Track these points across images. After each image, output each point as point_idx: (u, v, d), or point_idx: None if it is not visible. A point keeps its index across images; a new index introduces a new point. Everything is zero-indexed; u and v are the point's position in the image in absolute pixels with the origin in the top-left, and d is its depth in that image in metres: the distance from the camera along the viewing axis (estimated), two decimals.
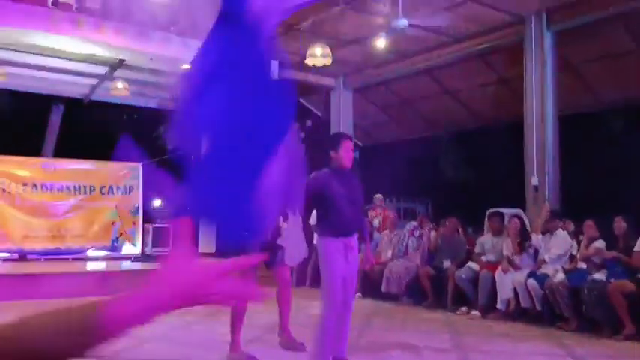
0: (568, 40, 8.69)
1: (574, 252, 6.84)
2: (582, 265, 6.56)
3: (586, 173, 8.62)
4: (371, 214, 9.90)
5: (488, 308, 7.23)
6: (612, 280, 5.96)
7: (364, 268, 6.69)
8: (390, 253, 8.92)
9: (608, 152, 8.97)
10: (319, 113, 13.54)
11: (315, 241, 9.68)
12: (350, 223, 4.44)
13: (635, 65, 8.99)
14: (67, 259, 11.67)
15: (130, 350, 5.07)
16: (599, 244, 6.50)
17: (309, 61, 9.34)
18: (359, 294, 8.96)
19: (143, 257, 12.01)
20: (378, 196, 10.11)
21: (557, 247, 6.94)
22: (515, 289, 6.98)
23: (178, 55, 10.40)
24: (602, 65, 9.40)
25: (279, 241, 4.97)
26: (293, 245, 5.04)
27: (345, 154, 4.48)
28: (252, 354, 4.93)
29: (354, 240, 4.48)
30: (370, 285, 8.94)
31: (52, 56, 10.59)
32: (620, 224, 6.45)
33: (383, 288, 8.56)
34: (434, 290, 8.06)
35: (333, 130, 12.48)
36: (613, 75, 9.36)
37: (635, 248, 6.12)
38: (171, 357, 4.86)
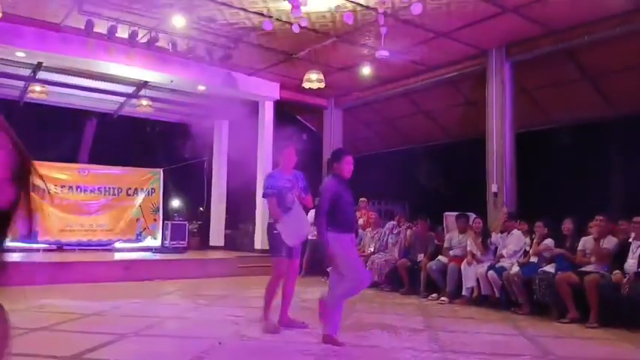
0: (524, 69, 8.75)
1: (527, 248, 6.88)
2: (534, 260, 6.60)
3: (538, 181, 8.68)
4: (357, 214, 9.92)
5: (455, 295, 7.27)
6: (559, 272, 6.00)
7: None
8: (372, 248, 8.96)
9: (557, 164, 9.03)
10: (314, 129, 13.58)
11: (310, 236, 9.77)
12: (353, 222, 4.83)
13: (579, 91, 9.08)
14: (98, 249, 11.67)
15: (152, 328, 5.08)
16: (549, 242, 6.55)
17: (305, 85, 9.37)
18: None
19: (162, 249, 11.99)
20: (363, 199, 10.16)
21: (513, 244, 6.99)
22: (477, 279, 7.03)
23: (195, 77, 10.45)
24: (553, 91, 9.47)
25: (278, 227, 4.91)
26: (293, 227, 4.93)
27: (346, 166, 4.67)
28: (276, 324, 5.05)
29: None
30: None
31: (86, 77, 10.61)
32: (568, 225, 6.50)
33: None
34: (409, 279, 8.09)
35: (326, 143, 12.53)
36: (562, 99, 9.44)
37: (579, 247, 6.17)
38: (187, 334, 4.86)
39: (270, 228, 5.09)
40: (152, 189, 12.76)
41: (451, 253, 7.70)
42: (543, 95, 9.71)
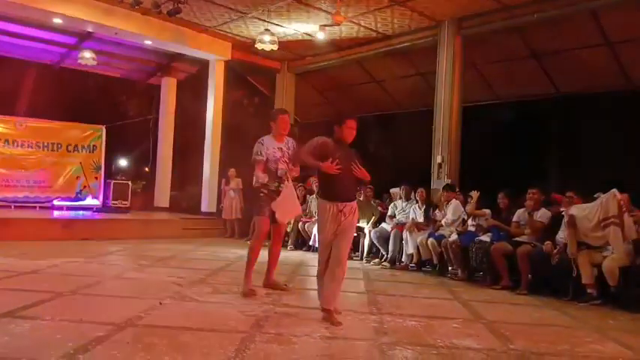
0: (474, 44, 8.90)
1: (465, 217, 7.12)
2: (472, 229, 6.86)
3: (479, 154, 8.94)
4: (308, 181, 9.90)
5: (396, 261, 7.49)
6: (495, 242, 6.28)
7: None
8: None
9: (500, 138, 9.32)
10: (266, 92, 13.38)
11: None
12: (344, 191, 4.26)
13: (525, 69, 9.33)
14: (35, 207, 11.23)
15: (91, 287, 4.97)
16: (487, 211, 6.81)
17: (258, 46, 9.18)
18: (291, 246, 9.09)
19: (104, 208, 11.67)
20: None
21: (451, 213, 7.23)
22: (417, 247, 7.26)
23: (141, 31, 10.01)
24: (500, 67, 9.70)
25: (272, 205, 4.81)
26: (286, 206, 4.84)
27: (347, 131, 4.29)
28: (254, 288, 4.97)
29: (348, 206, 4.22)
30: (302, 240, 9.06)
31: (28, 25, 9.98)
32: (503, 200, 6.76)
33: (311, 242, 8.70)
34: (353, 245, 8.23)
35: (278, 107, 12.38)
36: (508, 75, 9.69)
37: (514, 219, 6.45)
38: (127, 294, 4.79)
39: (255, 190, 5.01)
40: (94, 146, 12.32)
41: (395, 220, 7.89)
42: (490, 70, 9.93)
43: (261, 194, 4.92)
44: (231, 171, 10.68)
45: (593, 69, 8.59)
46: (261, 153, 4.95)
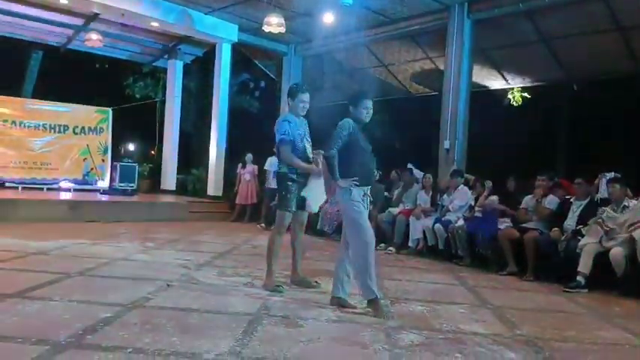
0: (483, 28, 8.80)
1: (472, 203, 7.10)
2: (479, 215, 6.84)
3: (487, 140, 8.89)
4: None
5: (402, 246, 7.49)
6: (503, 228, 6.25)
7: None
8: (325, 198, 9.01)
9: (509, 123, 9.26)
10: (272, 75, 13.31)
11: (269, 184, 9.73)
12: (370, 175, 4.16)
13: (535, 53, 9.22)
14: (42, 188, 11.28)
15: (99, 269, 5.01)
16: (494, 198, 6.79)
17: (265, 28, 9.10)
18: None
19: (110, 190, 11.71)
20: (321, 151, 9.97)
21: (459, 199, 7.21)
22: (424, 232, 7.25)
23: (147, 12, 9.95)
24: (509, 52, 9.59)
25: (303, 193, 4.48)
26: (318, 193, 4.52)
27: (363, 111, 4.12)
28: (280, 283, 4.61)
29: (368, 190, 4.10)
30: (308, 224, 9.04)
31: (33, 6, 9.93)
32: (511, 184, 6.74)
33: (318, 226, 8.70)
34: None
35: (285, 91, 12.31)
36: (517, 60, 9.58)
37: (522, 205, 6.42)
38: (135, 276, 4.82)
39: (283, 178, 4.53)
40: (100, 128, 12.33)
41: (401, 206, 7.87)
42: (500, 55, 9.82)
43: (289, 183, 4.47)
44: (248, 156, 10.63)
45: (604, 54, 8.48)
46: (288, 132, 4.47)
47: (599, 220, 5.41)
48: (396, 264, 6.54)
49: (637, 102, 7.37)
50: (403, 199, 7.99)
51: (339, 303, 4.05)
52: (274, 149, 4.80)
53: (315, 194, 4.50)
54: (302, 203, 4.54)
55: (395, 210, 7.86)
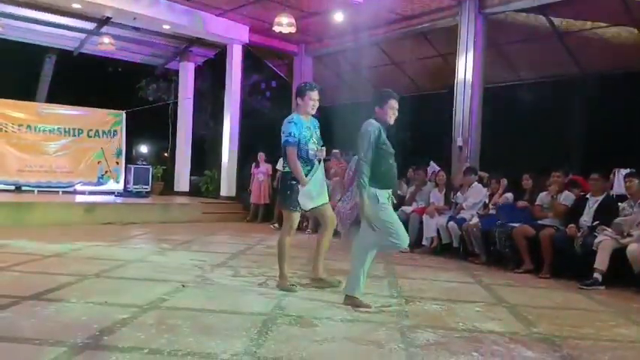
0: (495, 24, 8.72)
1: (486, 200, 7.04)
2: (493, 212, 6.78)
3: (501, 136, 8.81)
4: (328, 164, 9.85)
5: (416, 244, 7.45)
6: (517, 225, 6.19)
7: None
8: (338, 197, 9.00)
9: (522, 119, 9.16)
10: (283, 75, 13.33)
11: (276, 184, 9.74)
12: (394, 176, 4.12)
13: (548, 48, 9.12)
14: (58, 192, 11.42)
15: (114, 270, 5.05)
16: (509, 195, 6.73)
17: (276, 29, 9.12)
18: (309, 230, 9.09)
19: (125, 193, 11.82)
20: (337, 151, 9.91)
21: (473, 196, 7.15)
22: (438, 230, 7.21)
23: (159, 15, 10.03)
24: (522, 47, 9.50)
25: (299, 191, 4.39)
26: (313, 191, 4.45)
27: (389, 112, 4.05)
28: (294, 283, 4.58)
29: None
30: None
31: (46, 11, 10.06)
32: (527, 181, 6.67)
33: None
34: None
35: (295, 91, 12.29)
36: (530, 55, 9.49)
37: (537, 202, 6.36)
38: (150, 277, 4.86)
39: (285, 177, 4.52)
40: (114, 131, 12.44)
41: (414, 204, 7.84)
42: (512, 50, 9.73)
43: (292, 182, 4.42)
44: (261, 155, 10.66)
45: (618, 48, 8.36)
46: (294, 134, 4.40)
47: (613, 219, 5.34)
48: (410, 263, 6.52)
49: None
50: (416, 198, 7.95)
51: (353, 303, 4.03)
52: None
53: (309, 192, 4.42)
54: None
55: (408, 208, 7.82)
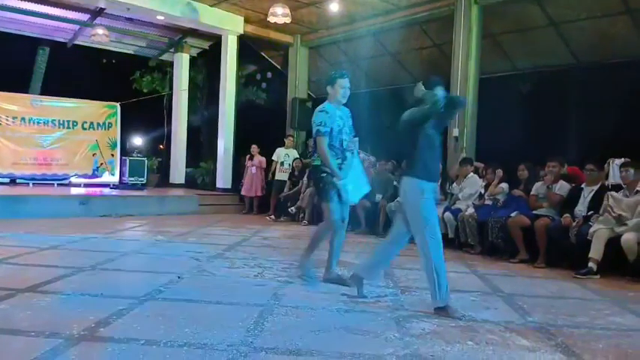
0: (491, 14, 8.69)
1: (482, 191, 7.05)
2: (489, 202, 6.80)
3: (497, 127, 8.80)
4: None
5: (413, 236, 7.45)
6: (512, 215, 6.21)
7: None
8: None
9: (518, 109, 9.16)
10: (278, 66, 13.28)
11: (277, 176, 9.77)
12: (438, 168, 4.03)
13: (543, 38, 9.11)
14: (53, 184, 11.39)
15: (111, 262, 5.05)
16: (504, 186, 6.75)
17: (271, 19, 9.08)
18: (305, 222, 9.10)
19: (121, 185, 11.79)
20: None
21: (469, 187, 7.17)
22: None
23: (153, 6, 9.95)
24: (518, 36, 9.48)
25: (340, 183, 4.22)
26: (355, 184, 4.27)
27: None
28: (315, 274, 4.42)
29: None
30: (317, 215, 9.06)
31: (39, 2, 9.97)
32: (523, 171, 6.69)
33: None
34: (367, 219, 8.25)
35: (291, 82, 12.27)
36: (526, 45, 9.47)
37: (532, 192, 6.38)
38: (147, 269, 4.87)
39: (316, 170, 4.35)
40: (109, 123, 12.39)
41: None
42: (508, 40, 9.71)
43: (324, 174, 4.24)
44: (254, 147, 10.66)
45: (614, 37, 8.36)
46: (325, 124, 4.21)
47: (608, 209, 5.37)
48: (406, 253, 6.46)
49: None
50: None
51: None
52: (310, 141, 4.61)
53: (353, 183, 4.24)
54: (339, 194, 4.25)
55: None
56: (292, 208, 9.54)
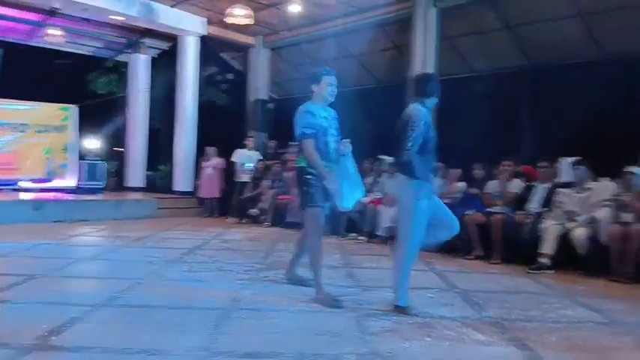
0: (449, 16, 8.88)
1: (442, 190, 7.18)
2: (447, 201, 6.91)
3: (455, 128, 8.98)
4: (287, 157, 9.83)
5: (372, 235, 7.56)
6: (469, 212, 6.36)
7: None
8: (295, 190, 9.01)
9: (475, 111, 9.37)
10: (239, 68, 13.19)
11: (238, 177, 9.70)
12: (432, 167, 3.91)
13: (499, 41, 9.35)
14: (2, 189, 10.97)
15: (65, 269, 4.91)
16: (462, 184, 6.91)
17: (229, 20, 9.02)
18: (267, 223, 9.08)
19: (77, 189, 11.45)
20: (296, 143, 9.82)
21: None
22: (393, 220, 7.32)
23: (110, 6, 9.74)
24: (474, 39, 9.70)
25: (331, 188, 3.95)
26: (345, 189, 4.03)
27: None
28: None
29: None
30: (279, 216, 9.07)
31: None
32: (478, 170, 6.87)
33: (288, 218, 8.73)
34: (329, 219, 8.25)
35: (251, 83, 12.21)
36: (482, 47, 9.70)
37: (487, 190, 6.56)
38: (102, 275, 4.76)
39: (300, 172, 4.06)
40: (64, 126, 12.04)
41: (371, 195, 7.94)
42: (465, 43, 9.93)
43: (307, 177, 3.98)
44: (209, 149, 10.57)
45: (566, 40, 8.65)
46: (310, 126, 3.98)
47: (558, 205, 5.57)
48: (367, 252, 6.61)
49: (597, 87, 7.55)
50: (373, 189, 8.05)
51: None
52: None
53: (346, 188, 3.99)
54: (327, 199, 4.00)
55: (365, 200, 7.90)
56: (254, 210, 9.49)
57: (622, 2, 7.46)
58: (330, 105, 4.20)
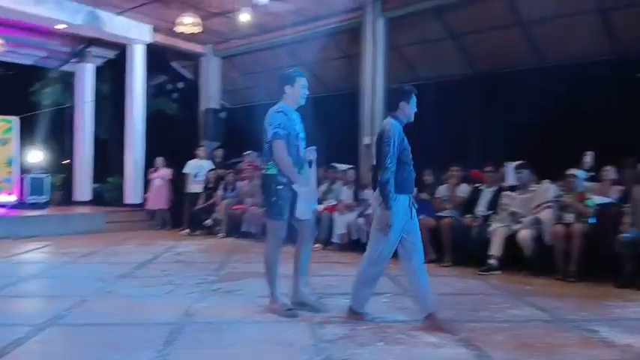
0: (396, 26, 9.08)
1: None
2: None
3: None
4: (242, 166, 9.74)
5: (327, 242, 7.59)
6: (420, 217, 6.47)
7: None
8: (250, 200, 8.96)
9: (423, 118, 9.58)
10: (190, 76, 13.02)
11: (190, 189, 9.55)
12: (413, 180, 3.78)
13: (444, 50, 9.62)
14: None
15: (7, 288, 4.69)
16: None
17: (178, 29, 8.90)
18: (222, 233, 8.96)
19: (19, 204, 10.95)
20: (250, 152, 9.74)
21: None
22: (348, 226, 7.39)
23: (52, 15, 9.43)
24: (421, 48, 9.95)
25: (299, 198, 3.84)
26: (309, 198, 3.93)
27: (412, 110, 3.83)
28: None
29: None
30: (233, 226, 8.96)
31: None
32: (428, 176, 7.03)
33: (243, 228, 8.65)
34: (292, 229, 8.25)
35: (203, 92, 12.07)
36: (428, 56, 9.95)
37: (436, 195, 6.72)
38: (48, 293, 4.57)
39: (269, 181, 3.83)
40: (7, 139, 11.50)
41: (325, 203, 7.98)
42: (412, 52, 10.17)
43: (278, 187, 3.78)
44: (158, 159, 10.37)
45: (508, 48, 9.00)
46: (284, 126, 3.77)
47: (503, 207, 5.78)
48: (322, 260, 6.61)
49: (539, 93, 7.88)
50: (327, 196, 8.10)
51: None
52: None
53: (306, 198, 3.87)
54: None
55: (319, 207, 7.94)
56: (208, 220, 9.36)
57: (560, 11, 7.84)
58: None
